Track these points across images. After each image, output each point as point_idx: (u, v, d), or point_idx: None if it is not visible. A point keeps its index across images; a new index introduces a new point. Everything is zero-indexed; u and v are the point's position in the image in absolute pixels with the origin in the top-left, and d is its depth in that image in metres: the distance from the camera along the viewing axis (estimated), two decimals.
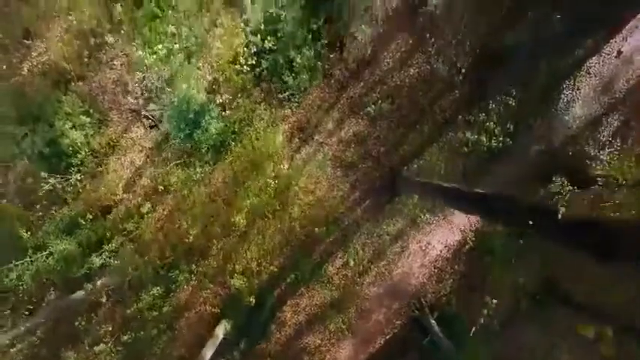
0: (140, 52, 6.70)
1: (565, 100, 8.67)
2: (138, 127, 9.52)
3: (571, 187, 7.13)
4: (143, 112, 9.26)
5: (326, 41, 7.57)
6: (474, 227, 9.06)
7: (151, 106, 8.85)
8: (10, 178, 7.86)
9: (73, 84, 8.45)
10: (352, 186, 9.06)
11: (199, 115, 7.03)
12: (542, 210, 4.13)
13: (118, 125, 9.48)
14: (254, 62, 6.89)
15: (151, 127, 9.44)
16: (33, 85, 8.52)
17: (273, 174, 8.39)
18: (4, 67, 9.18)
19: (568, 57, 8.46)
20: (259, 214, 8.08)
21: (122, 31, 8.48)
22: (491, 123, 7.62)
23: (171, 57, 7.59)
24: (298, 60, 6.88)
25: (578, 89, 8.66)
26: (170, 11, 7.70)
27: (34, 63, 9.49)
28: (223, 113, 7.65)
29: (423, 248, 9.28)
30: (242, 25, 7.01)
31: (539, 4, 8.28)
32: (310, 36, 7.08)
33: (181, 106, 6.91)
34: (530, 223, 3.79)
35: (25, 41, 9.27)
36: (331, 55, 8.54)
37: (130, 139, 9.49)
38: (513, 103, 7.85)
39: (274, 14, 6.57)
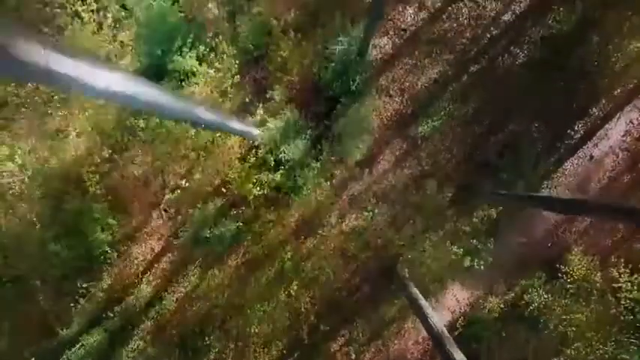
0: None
1: None
2: (157, 216, 10.47)
3: (546, 296, 8.08)
4: (162, 205, 10.22)
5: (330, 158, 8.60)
6: (463, 310, 10.04)
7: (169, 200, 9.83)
8: (49, 282, 8.80)
9: (97, 186, 9.36)
10: (353, 274, 10.01)
11: (216, 229, 7.99)
12: None
13: (139, 216, 10.42)
14: (264, 191, 7.85)
15: (170, 218, 10.40)
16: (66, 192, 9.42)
17: (280, 268, 9.34)
18: (35, 158, 10.15)
19: (546, 161, 9.41)
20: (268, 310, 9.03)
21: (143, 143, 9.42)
22: (475, 240, 8.58)
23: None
24: (304, 190, 7.84)
25: (556, 187, 9.63)
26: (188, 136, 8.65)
27: (60, 157, 10.46)
28: (238, 224, 8.59)
29: (417, 327, 10.23)
30: (252, 153, 7.99)
31: (520, 116, 9.24)
32: (315, 163, 8.04)
33: (200, 225, 7.86)
34: None
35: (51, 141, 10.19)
36: (332, 158, 9.50)
37: (149, 227, 10.45)
38: (495, 214, 8.82)
39: (283, 157, 7.53)
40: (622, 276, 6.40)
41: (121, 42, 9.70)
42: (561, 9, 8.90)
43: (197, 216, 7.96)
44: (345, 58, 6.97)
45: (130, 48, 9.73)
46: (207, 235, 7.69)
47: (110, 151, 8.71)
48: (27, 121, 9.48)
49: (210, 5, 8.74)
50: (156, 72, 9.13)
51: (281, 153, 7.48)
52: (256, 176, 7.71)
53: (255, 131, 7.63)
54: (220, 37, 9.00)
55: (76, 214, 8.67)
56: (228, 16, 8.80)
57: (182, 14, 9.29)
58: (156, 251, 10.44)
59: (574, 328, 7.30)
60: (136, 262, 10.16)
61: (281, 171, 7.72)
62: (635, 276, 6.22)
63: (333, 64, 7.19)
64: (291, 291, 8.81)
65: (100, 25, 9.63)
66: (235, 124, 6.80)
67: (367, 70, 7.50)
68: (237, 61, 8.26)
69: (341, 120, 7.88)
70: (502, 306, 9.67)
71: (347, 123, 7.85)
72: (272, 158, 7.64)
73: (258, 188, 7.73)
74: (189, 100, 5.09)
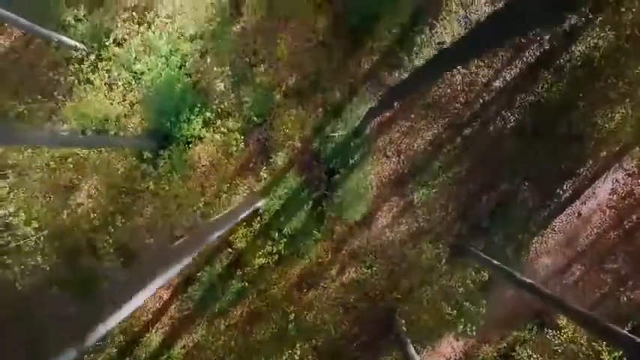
0: None
1: (535, 252, 10.09)
2: None
3: (535, 356, 8.56)
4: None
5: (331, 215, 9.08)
6: (458, 357, 10.51)
7: None
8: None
9: (110, 248, 9.83)
10: (352, 322, 10.47)
11: (223, 299, 8.47)
12: None
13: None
14: (268, 261, 8.35)
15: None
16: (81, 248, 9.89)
17: (284, 326, 9.82)
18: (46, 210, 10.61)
19: (537, 218, 9.87)
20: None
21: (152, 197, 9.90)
22: (468, 302, 9.05)
23: None
24: (307, 256, 8.31)
25: (545, 243, 10.09)
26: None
27: (73, 209, 10.93)
28: (244, 284, 9.07)
29: None
30: (257, 219, 8.46)
31: (511, 177, 9.69)
32: (317, 233, 8.51)
33: (209, 285, 8.33)
34: None
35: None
36: (332, 214, 9.97)
37: None
38: (486, 277, 9.29)
39: (287, 231, 8.01)
40: (604, 349, 6.85)
41: (131, 102, 10.19)
42: (549, 76, 9.34)
43: (204, 281, 8.43)
44: (344, 141, 7.43)
45: (139, 107, 10.21)
46: (216, 310, 8.15)
47: (122, 219, 9.14)
48: (41, 182, 9.97)
49: (216, 80, 9.19)
50: (164, 137, 9.59)
51: (285, 229, 7.95)
52: (261, 251, 8.17)
53: (260, 202, 8.09)
54: (226, 103, 9.48)
55: (90, 270, 9.15)
56: (232, 86, 9.24)
57: (189, 78, 9.75)
58: (164, 299, 10.91)
59: None
60: (145, 310, 10.64)
61: (285, 239, 8.19)
62: (615, 354, 6.66)
63: (332, 145, 7.65)
64: (296, 354, 9.28)
65: (111, 88, 10.14)
66: (243, 214, 7.27)
67: (364, 145, 7.95)
68: (242, 135, 8.72)
69: (340, 190, 8.35)
70: (495, 354, 10.16)
71: (346, 191, 8.32)
72: (275, 233, 8.10)
73: (263, 259, 8.21)
74: (201, 239, 5.54)
